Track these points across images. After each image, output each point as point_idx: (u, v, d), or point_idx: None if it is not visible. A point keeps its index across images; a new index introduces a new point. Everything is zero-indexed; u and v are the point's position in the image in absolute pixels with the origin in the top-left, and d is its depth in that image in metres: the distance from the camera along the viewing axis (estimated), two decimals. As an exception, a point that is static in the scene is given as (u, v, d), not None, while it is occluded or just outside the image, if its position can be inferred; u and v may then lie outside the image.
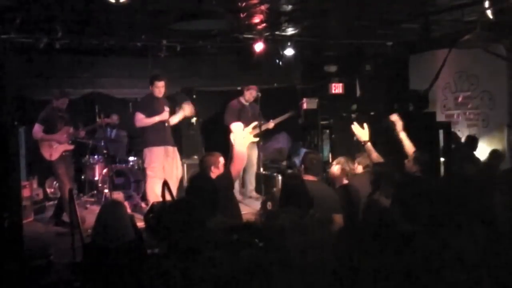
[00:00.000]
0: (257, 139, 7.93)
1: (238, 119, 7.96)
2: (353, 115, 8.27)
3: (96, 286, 3.07)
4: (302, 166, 4.92)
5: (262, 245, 1.97)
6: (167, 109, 7.01)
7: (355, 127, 5.01)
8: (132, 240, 3.24)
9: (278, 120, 8.09)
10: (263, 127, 7.87)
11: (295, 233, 3.37)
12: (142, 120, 6.88)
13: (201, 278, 2.21)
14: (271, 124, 7.94)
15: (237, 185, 8.06)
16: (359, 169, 5.16)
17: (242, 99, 8.00)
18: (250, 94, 7.93)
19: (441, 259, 2.49)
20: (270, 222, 3.50)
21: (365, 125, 4.96)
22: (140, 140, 8.21)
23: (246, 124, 7.89)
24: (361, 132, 4.98)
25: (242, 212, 6.86)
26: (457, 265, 2.49)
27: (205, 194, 3.37)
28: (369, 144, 4.90)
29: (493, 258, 2.66)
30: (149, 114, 6.86)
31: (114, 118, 7.19)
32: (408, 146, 4.95)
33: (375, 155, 4.86)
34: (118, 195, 7.37)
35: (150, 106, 6.95)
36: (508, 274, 2.64)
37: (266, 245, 1.98)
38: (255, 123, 7.86)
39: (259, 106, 7.92)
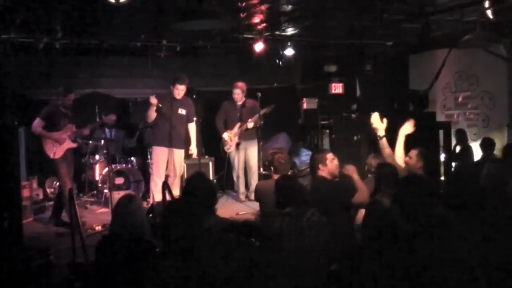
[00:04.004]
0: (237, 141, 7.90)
1: (225, 119, 7.97)
2: (353, 115, 8.27)
3: (103, 282, 3.05)
4: (271, 167, 4.86)
5: (258, 244, 1.96)
6: (182, 110, 6.96)
7: (375, 118, 4.72)
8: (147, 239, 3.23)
9: (254, 118, 7.66)
10: (243, 127, 7.75)
11: (291, 235, 3.37)
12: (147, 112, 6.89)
13: (198, 277, 2.21)
14: (249, 124, 7.68)
15: (241, 186, 8.08)
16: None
17: (233, 97, 7.93)
18: (233, 93, 7.84)
19: (440, 259, 2.49)
20: (267, 224, 3.50)
21: (384, 119, 4.72)
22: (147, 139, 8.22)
23: (233, 125, 7.89)
24: (380, 126, 4.70)
25: (242, 212, 6.92)
26: (456, 265, 2.49)
27: (201, 194, 3.35)
28: (384, 139, 4.66)
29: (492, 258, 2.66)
30: (160, 109, 6.79)
31: (112, 118, 7.18)
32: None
33: (388, 151, 4.64)
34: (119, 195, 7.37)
35: (166, 102, 6.86)
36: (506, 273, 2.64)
37: (263, 245, 1.98)
38: (239, 123, 7.81)
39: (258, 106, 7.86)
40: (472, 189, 3.22)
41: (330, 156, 4.44)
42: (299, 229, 3.40)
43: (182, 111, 6.94)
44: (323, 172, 4.38)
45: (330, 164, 4.40)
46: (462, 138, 7.69)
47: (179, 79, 6.85)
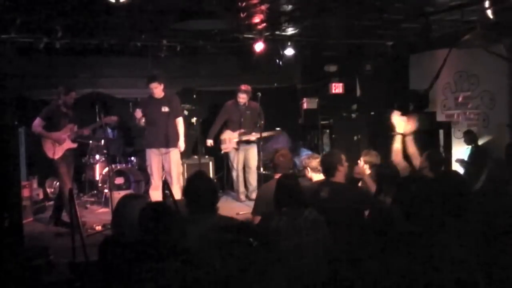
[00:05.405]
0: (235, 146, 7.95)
1: (227, 120, 7.97)
2: (353, 115, 8.27)
3: (105, 282, 3.05)
4: (272, 165, 4.88)
5: (256, 244, 1.97)
6: (165, 108, 6.96)
7: (395, 117, 4.94)
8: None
9: (261, 135, 7.70)
10: (245, 137, 7.79)
11: (289, 235, 3.37)
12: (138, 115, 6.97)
13: (198, 277, 2.21)
14: (252, 137, 7.76)
15: (241, 186, 8.08)
16: (365, 167, 5.00)
17: (238, 100, 7.91)
18: (239, 97, 7.78)
19: (440, 259, 2.49)
20: (265, 223, 3.50)
21: (405, 118, 4.94)
22: (138, 140, 8.26)
23: (235, 126, 7.88)
24: (399, 123, 4.90)
25: (242, 212, 6.92)
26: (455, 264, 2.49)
27: (202, 193, 3.34)
28: (398, 136, 4.84)
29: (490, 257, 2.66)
30: (145, 112, 6.92)
31: (114, 119, 7.20)
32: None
33: (395, 146, 4.81)
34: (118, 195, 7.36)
35: (145, 105, 7.00)
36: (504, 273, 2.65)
37: (260, 244, 1.98)
38: (242, 131, 7.82)
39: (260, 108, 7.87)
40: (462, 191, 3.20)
41: (343, 156, 4.46)
42: (297, 228, 3.40)
43: (165, 109, 6.95)
44: (340, 173, 4.33)
45: (345, 164, 4.41)
46: (474, 139, 7.69)
47: (148, 79, 6.92)
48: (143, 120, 6.97)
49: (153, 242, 2.74)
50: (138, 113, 6.93)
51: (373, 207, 3.97)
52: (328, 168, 4.36)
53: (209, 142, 7.96)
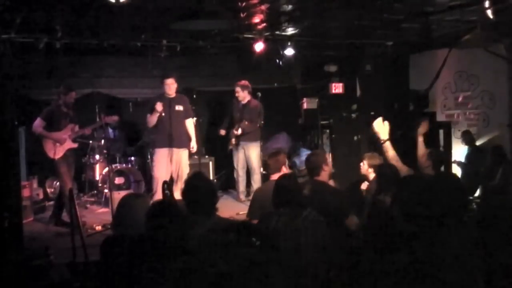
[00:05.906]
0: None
1: (231, 117, 8.01)
2: (353, 115, 8.27)
3: (107, 282, 3.05)
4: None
5: (258, 244, 1.97)
6: (179, 107, 6.92)
7: (378, 122, 4.81)
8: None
9: (243, 126, 7.84)
10: (234, 133, 7.87)
11: (287, 235, 3.37)
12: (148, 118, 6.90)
13: (199, 277, 2.21)
14: (235, 132, 7.85)
15: (241, 186, 8.08)
16: (369, 171, 4.97)
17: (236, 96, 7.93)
18: (235, 92, 7.82)
19: (439, 260, 2.49)
20: (264, 223, 3.50)
21: (386, 122, 4.79)
22: (145, 140, 8.24)
23: (235, 123, 7.93)
24: (382, 129, 4.78)
25: (242, 212, 6.92)
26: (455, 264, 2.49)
27: (201, 194, 3.34)
28: (388, 143, 4.73)
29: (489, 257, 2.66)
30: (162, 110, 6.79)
31: (114, 118, 7.18)
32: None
33: (391, 154, 4.70)
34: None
35: (162, 103, 6.85)
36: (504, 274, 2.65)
37: (262, 244, 1.98)
38: (236, 126, 7.86)
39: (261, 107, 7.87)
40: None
41: (328, 156, 4.49)
42: (295, 228, 3.40)
43: (179, 108, 6.92)
44: (325, 172, 4.36)
45: (330, 164, 4.46)
46: (471, 140, 7.70)
47: (164, 74, 6.94)
48: (163, 114, 6.79)
49: (156, 241, 2.74)
50: (159, 106, 6.71)
51: (372, 207, 3.97)
52: (313, 167, 4.39)
53: (221, 131, 8.06)
